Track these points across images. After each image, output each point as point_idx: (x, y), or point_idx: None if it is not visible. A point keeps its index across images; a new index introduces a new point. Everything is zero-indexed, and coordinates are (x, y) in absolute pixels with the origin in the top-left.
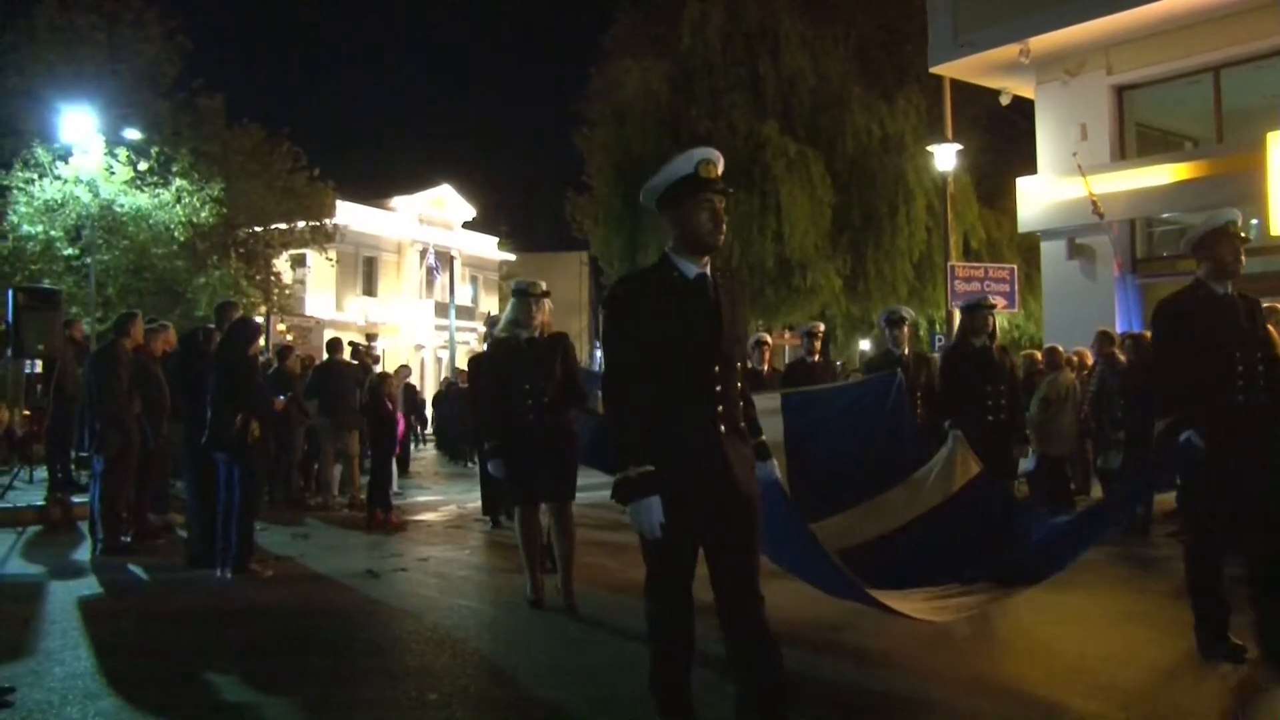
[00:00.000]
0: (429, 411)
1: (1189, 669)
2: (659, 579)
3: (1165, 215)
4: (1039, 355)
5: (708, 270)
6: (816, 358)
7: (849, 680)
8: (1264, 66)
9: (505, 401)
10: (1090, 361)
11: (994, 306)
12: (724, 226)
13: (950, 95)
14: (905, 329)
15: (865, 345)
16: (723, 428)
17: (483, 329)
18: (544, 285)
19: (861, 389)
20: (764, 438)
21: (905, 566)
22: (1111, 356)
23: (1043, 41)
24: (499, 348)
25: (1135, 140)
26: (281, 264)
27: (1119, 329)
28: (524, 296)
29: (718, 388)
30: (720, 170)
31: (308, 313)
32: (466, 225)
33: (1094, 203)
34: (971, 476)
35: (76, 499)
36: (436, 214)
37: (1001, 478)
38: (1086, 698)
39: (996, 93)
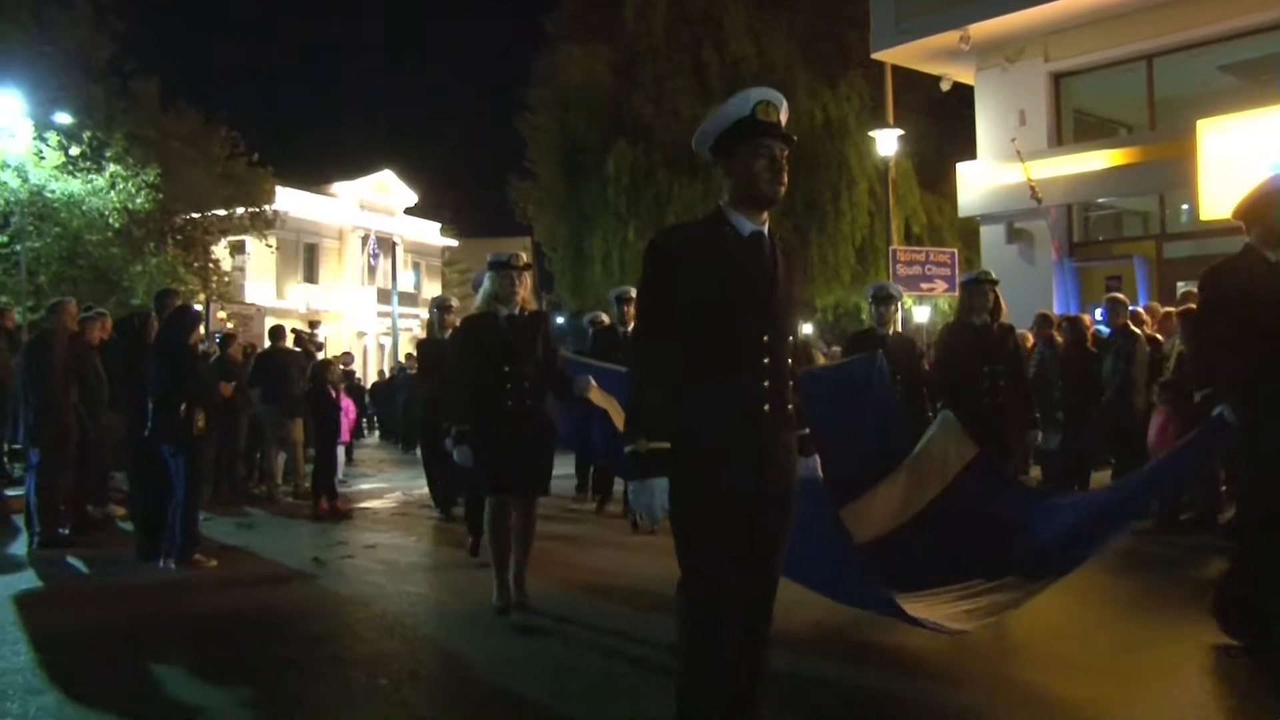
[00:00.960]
0: (366, 400)
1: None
2: (695, 594)
3: (1101, 200)
4: None
5: (765, 228)
6: None
7: (849, 680)
8: (1194, 55)
9: (479, 384)
10: (1030, 343)
11: (996, 281)
12: (785, 177)
13: (892, 81)
14: (894, 307)
15: (808, 329)
16: (768, 407)
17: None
18: (525, 257)
19: (841, 372)
20: (807, 430)
21: (921, 564)
22: (1050, 338)
23: (982, 29)
24: (474, 325)
25: (1072, 127)
26: (220, 251)
27: (1057, 311)
28: (504, 269)
29: (766, 360)
30: (784, 116)
31: (248, 300)
32: (409, 211)
33: (1032, 188)
34: (969, 459)
35: (11, 492)
36: (378, 200)
37: (1001, 461)
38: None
39: (937, 79)
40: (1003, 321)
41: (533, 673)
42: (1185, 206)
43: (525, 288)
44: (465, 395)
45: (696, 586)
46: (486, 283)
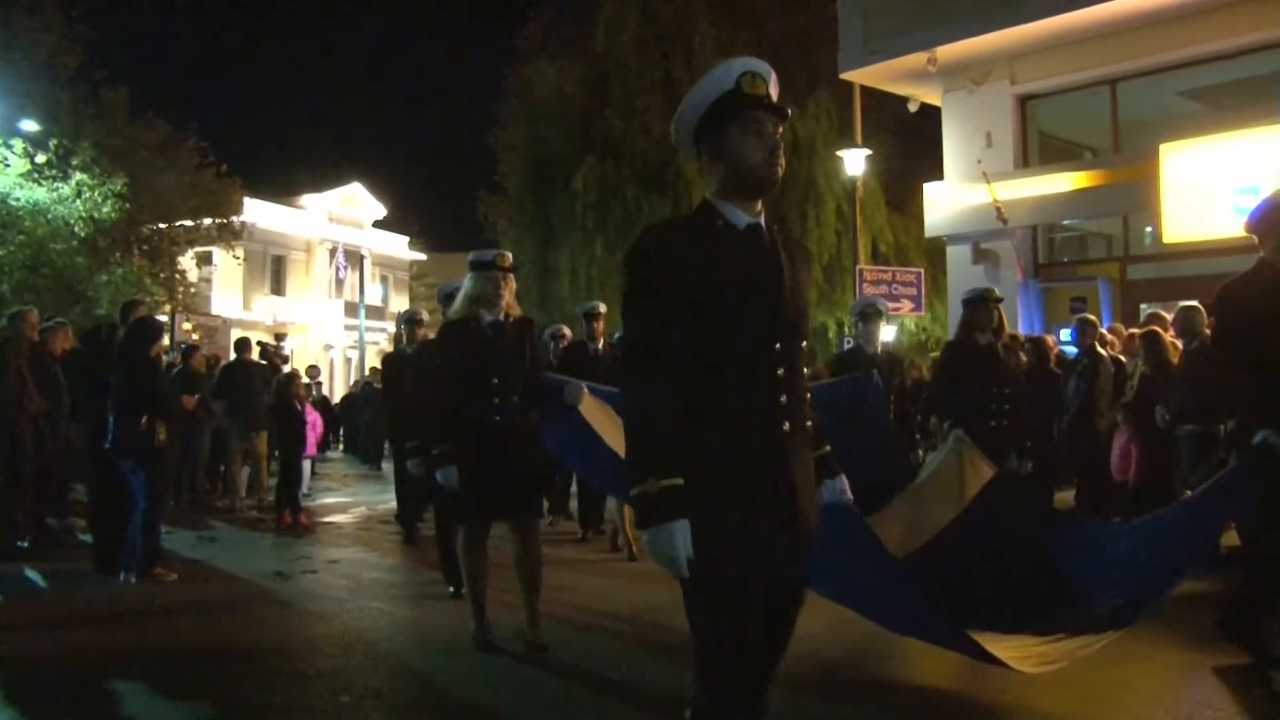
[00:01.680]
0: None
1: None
2: (713, 651)
3: (1066, 222)
4: None
5: (762, 220)
6: None
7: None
8: (1157, 80)
9: (462, 398)
10: None
11: (1000, 299)
12: (781, 158)
13: (860, 101)
14: (880, 324)
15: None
16: (788, 425)
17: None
18: (511, 257)
19: (835, 391)
20: (828, 448)
21: (965, 596)
22: (1016, 358)
23: (949, 51)
24: (455, 331)
25: (1038, 149)
26: (187, 262)
27: (1022, 331)
28: (488, 270)
29: (781, 371)
30: (774, 89)
31: (214, 312)
32: (377, 224)
33: (998, 209)
34: (987, 480)
35: None
36: (346, 212)
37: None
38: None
39: (905, 100)
40: (1005, 341)
41: (497, 689)
42: (1149, 229)
43: (510, 290)
44: (448, 410)
45: (714, 659)
46: (468, 284)
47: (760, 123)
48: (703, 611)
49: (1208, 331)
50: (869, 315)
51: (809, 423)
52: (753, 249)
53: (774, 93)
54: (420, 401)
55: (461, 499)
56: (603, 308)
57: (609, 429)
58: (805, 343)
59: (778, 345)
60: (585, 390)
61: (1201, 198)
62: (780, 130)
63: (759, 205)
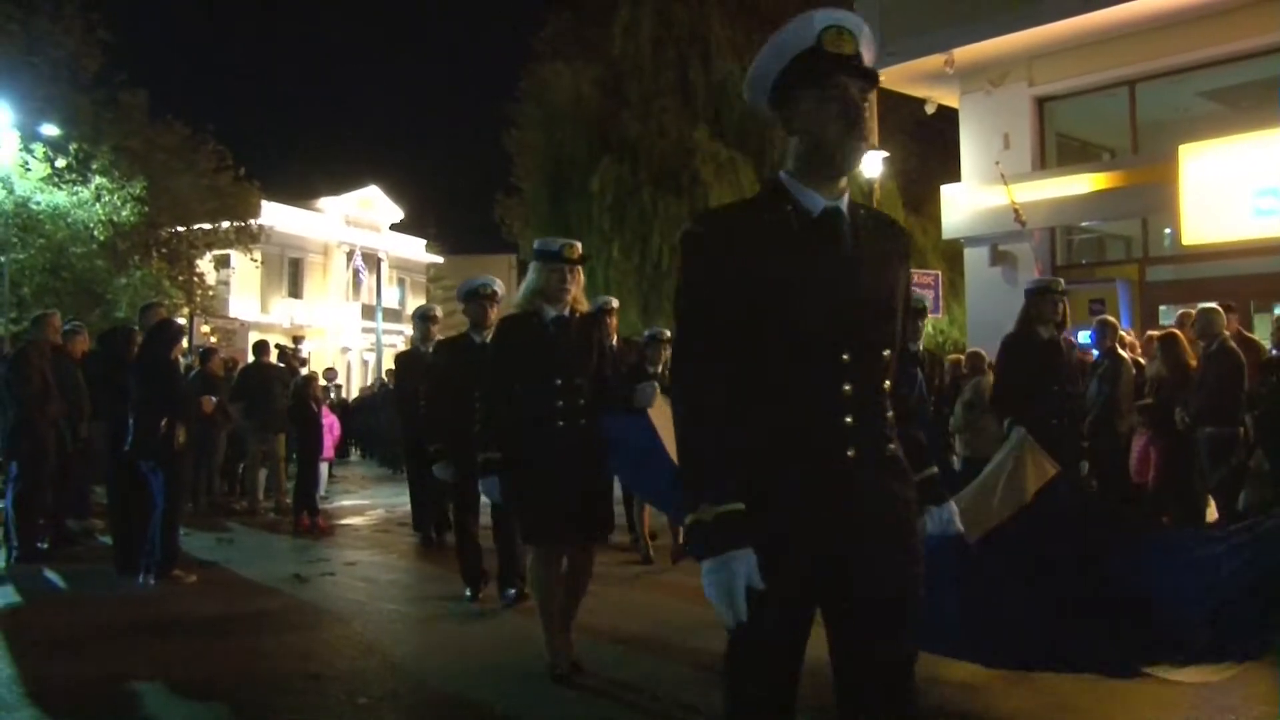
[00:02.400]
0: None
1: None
2: (744, 695)
3: (1084, 223)
4: (963, 359)
5: (844, 203)
6: None
7: None
8: (1175, 81)
9: (515, 402)
10: None
11: (1065, 291)
12: (865, 131)
13: (877, 103)
14: (923, 321)
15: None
16: (853, 452)
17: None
18: (580, 247)
19: None
20: (933, 470)
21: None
22: None
23: (966, 53)
24: (514, 327)
25: (1055, 150)
26: (205, 265)
27: None
28: (554, 261)
29: (847, 386)
30: (866, 49)
31: (232, 314)
32: (394, 227)
33: (1016, 211)
34: (1048, 478)
35: None
36: (364, 215)
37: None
38: None
39: (922, 101)
40: (1067, 336)
41: (514, 692)
42: (1168, 230)
43: (578, 284)
44: (497, 415)
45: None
46: (531, 275)
47: (843, 89)
48: (732, 663)
49: (1227, 333)
50: (917, 311)
51: (892, 445)
52: (826, 241)
53: (866, 53)
54: (437, 402)
55: (527, 516)
56: (614, 303)
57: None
58: (888, 352)
59: (845, 357)
60: (657, 391)
61: (1221, 199)
62: (866, 97)
63: (841, 185)
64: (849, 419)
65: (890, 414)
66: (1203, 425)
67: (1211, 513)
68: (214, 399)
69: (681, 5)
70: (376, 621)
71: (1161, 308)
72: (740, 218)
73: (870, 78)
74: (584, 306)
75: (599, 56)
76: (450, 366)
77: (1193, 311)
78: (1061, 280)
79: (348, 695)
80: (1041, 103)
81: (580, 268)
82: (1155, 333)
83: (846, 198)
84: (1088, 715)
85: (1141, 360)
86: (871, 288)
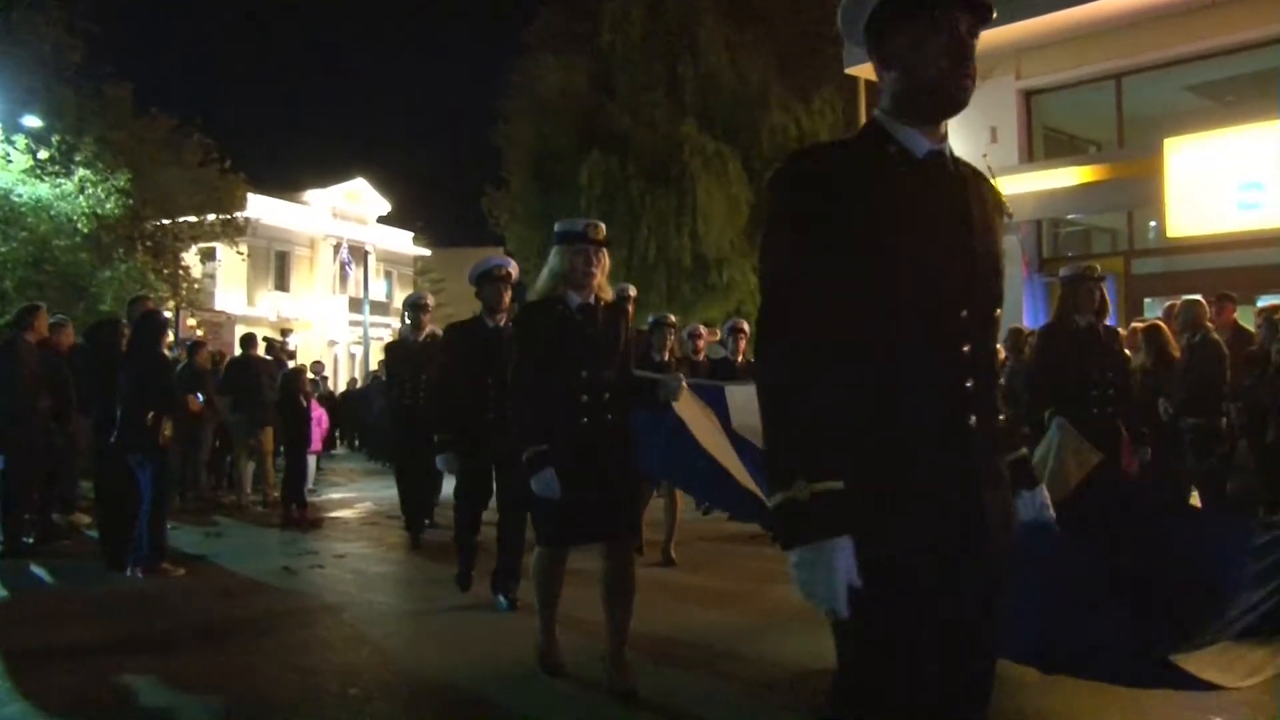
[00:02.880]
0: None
1: None
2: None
3: (1070, 216)
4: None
5: (947, 147)
6: (740, 359)
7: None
8: (1161, 75)
9: (546, 393)
10: (1002, 357)
11: (1102, 277)
12: (974, 70)
13: (865, 96)
14: None
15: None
16: (974, 419)
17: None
18: (604, 228)
19: None
20: (1024, 450)
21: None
22: (1021, 352)
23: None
24: (538, 315)
25: (1043, 143)
26: (191, 258)
27: (1028, 326)
28: (577, 242)
29: (968, 348)
30: None
31: (218, 307)
32: (381, 220)
33: (1003, 203)
34: (1092, 467)
35: None
36: (351, 208)
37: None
38: None
39: None
40: (1106, 324)
41: (506, 682)
42: (1153, 223)
43: (603, 268)
44: (531, 408)
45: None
46: (553, 259)
47: (952, 21)
48: (865, 668)
49: (1209, 325)
50: None
51: (1001, 417)
52: (936, 186)
53: None
54: (446, 390)
55: (542, 515)
56: (632, 291)
57: (706, 432)
58: (1000, 311)
59: (964, 313)
60: (684, 384)
61: (1206, 192)
62: (976, 34)
63: (942, 129)
64: (970, 383)
65: (999, 380)
66: (1186, 416)
67: (1194, 502)
68: (200, 398)
69: None
70: (367, 613)
71: (1147, 300)
72: (844, 156)
73: (984, 11)
74: (608, 294)
75: (588, 50)
76: (462, 352)
77: (1178, 304)
78: (1097, 266)
79: (339, 687)
80: (1029, 96)
81: (605, 249)
82: (1140, 324)
83: (948, 144)
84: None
85: (1127, 352)
86: (983, 239)
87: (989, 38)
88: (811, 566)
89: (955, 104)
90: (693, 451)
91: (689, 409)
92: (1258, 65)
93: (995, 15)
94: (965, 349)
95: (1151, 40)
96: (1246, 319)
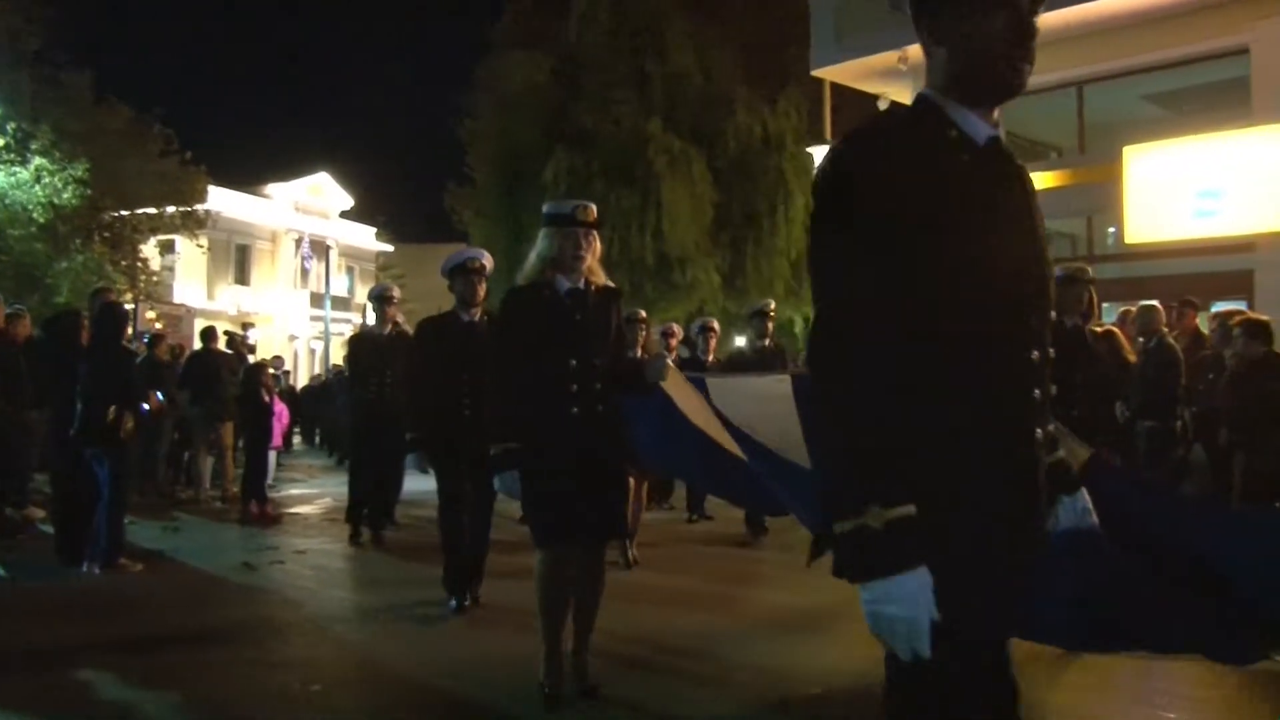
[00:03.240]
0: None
1: None
2: None
3: None
4: None
5: (1001, 133)
6: (768, 342)
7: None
8: (1121, 84)
9: (533, 382)
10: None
11: (1092, 280)
12: (1033, 52)
13: (830, 98)
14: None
15: (740, 341)
16: (1041, 432)
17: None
18: (595, 210)
19: None
20: (1061, 453)
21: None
22: None
23: (921, 50)
24: (525, 300)
25: None
26: (149, 250)
27: None
28: (567, 224)
29: (1035, 354)
30: None
31: (177, 301)
32: (344, 215)
33: None
34: (1083, 461)
35: None
36: (313, 202)
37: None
38: None
39: (875, 97)
40: (1094, 326)
41: (470, 676)
42: (1111, 229)
43: (594, 252)
44: (509, 399)
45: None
46: (541, 242)
47: None
48: (931, 701)
49: (1165, 329)
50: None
51: (1051, 425)
52: (1002, 178)
53: None
54: (419, 387)
55: (537, 516)
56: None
57: (695, 410)
58: (1054, 314)
59: (1033, 320)
60: (670, 364)
61: (1163, 200)
62: (1037, 10)
63: (996, 113)
64: (1038, 393)
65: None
66: (1142, 419)
67: None
68: (159, 395)
69: None
70: (328, 608)
71: (1104, 304)
72: (900, 143)
73: None
74: (599, 278)
75: (554, 47)
76: (435, 348)
77: (1133, 309)
78: (1088, 268)
79: (301, 683)
80: None
81: (595, 232)
82: (1097, 328)
83: (1001, 129)
84: (1126, 692)
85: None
86: (1041, 236)
87: None
88: (892, 601)
89: (1011, 87)
90: (685, 432)
91: (677, 388)
92: (1216, 75)
93: None
94: (1034, 356)
95: (1111, 49)
96: (1202, 324)
